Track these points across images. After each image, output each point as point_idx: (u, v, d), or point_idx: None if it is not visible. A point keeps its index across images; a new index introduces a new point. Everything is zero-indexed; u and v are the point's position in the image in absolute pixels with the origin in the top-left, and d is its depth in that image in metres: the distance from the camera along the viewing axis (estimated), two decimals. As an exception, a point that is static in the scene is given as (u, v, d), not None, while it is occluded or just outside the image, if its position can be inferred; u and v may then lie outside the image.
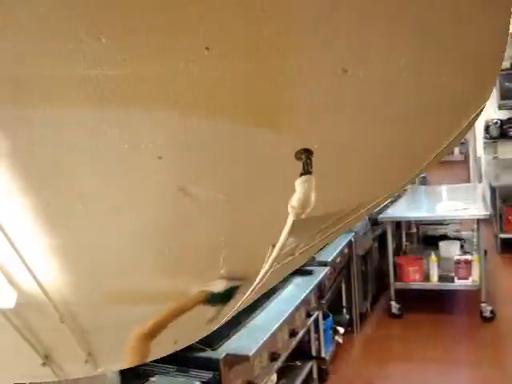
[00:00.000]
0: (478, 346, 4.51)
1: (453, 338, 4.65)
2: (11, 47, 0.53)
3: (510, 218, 7.36)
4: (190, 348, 2.07)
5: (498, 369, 4.13)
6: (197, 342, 2.09)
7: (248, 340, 2.23)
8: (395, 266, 5.16)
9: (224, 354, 2.05)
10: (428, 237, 6.63)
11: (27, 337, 0.93)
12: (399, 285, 5.15)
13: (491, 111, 9.62)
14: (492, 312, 4.91)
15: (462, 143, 18.96)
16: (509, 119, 9.46)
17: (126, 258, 0.85)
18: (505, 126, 9.41)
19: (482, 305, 4.93)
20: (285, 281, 3.00)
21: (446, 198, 6.18)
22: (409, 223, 6.93)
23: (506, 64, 9.15)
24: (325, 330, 3.64)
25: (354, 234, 4.37)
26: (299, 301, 2.77)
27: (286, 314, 2.57)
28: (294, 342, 2.77)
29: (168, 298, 0.92)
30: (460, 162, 19.58)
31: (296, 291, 2.89)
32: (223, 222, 0.83)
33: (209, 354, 2.07)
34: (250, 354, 2.09)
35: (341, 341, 4.11)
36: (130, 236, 0.81)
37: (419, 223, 6.81)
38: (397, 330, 4.97)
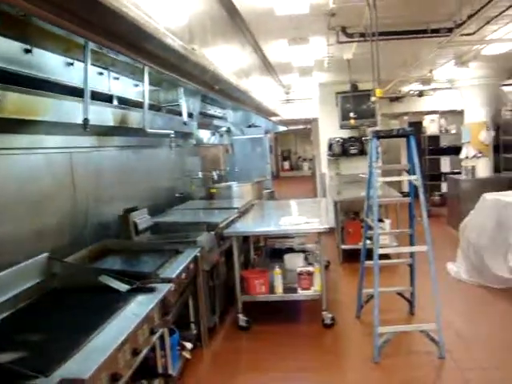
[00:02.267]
0: (320, 352, 4.75)
1: (297, 346, 4.85)
2: None
3: (350, 230, 7.86)
4: (20, 376, 1.98)
5: (339, 372, 4.39)
6: (28, 369, 2.01)
7: (85, 363, 2.16)
8: (242, 279, 5.31)
9: (58, 380, 1.97)
10: (275, 250, 6.88)
11: None
12: (246, 298, 5.29)
13: (334, 130, 10.24)
14: (332, 319, 5.21)
15: (311, 159, 19.99)
16: (349, 138, 10.13)
17: None
18: (346, 145, 10.05)
19: (323, 313, 5.21)
20: (126, 300, 2.97)
21: (293, 213, 6.46)
22: (257, 237, 7.15)
23: (346, 87, 9.81)
24: (171, 347, 3.62)
25: (199, 249, 4.42)
26: (141, 319, 2.74)
27: (127, 333, 2.53)
28: (138, 360, 2.73)
29: None
30: (308, 177, 20.62)
31: (138, 309, 2.86)
32: None
33: (41, 381, 1.97)
34: (86, 378, 2.02)
35: (189, 356, 4.11)
36: None
37: (267, 237, 7.04)
38: (245, 342, 5.09)
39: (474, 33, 5.79)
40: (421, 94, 12.17)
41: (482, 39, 6.32)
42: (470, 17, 5.03)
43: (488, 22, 5.46)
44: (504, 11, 4.98)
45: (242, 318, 5.24)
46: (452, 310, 5.48)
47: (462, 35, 5.62)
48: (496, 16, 5.19)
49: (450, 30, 5.55)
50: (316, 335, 5.09)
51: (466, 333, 4.98)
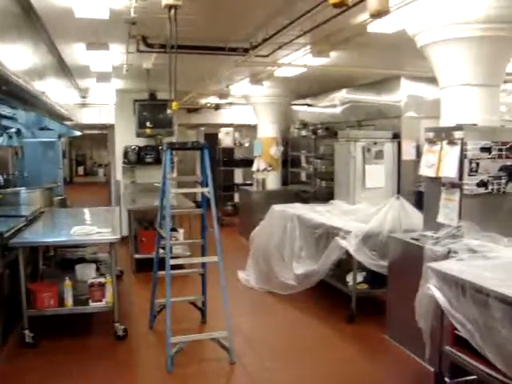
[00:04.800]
0: (112, 364, 4.65)
1: (88, 361, 4.69)
2: None
3: (143, 239, 7.82)
4: None
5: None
6: None
7: None
8: (28, 292, 4.97)
9: None
10: (66, 260, 6.59)
11: None
12: (32, 312, 4.96)
13: (130, 138, 10.13)
14: (125, 330, 5.15)
15: (106, 165, 19.54)
16: (146, 146, 10.09)
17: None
18: (142, 153, 9.98)
19: (116, 324, 5.12)
20: None
21: (85, 221, 6.26)
22: (47, 247, 6.78)
23: (145, 95, 9.79)
24: None
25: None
26: None
27: None
28: None
29: None
30: (104, 183, 20.15)
31: None
32: None
33: None
34: None
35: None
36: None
37: (57, 247, 6.71)
38: (31, 360, 4.73)
39: (267, 55, 6.21)
40: (217, 107, 12.60)
41: (274, 62, 6.77)
42: (264, 40, 5.40)
43: (280, 47, 5.88)
44: (293, 39, 5.41)
45: (28, 335, 4.91)
46: (242, 316, 5.77)
47: (257, 56, 5.99)
48: (287, 43, 5.61)
49: (246, 51, 5.88)
50: (108, 348, 4.99)
51: (254, 337, 5.28)
